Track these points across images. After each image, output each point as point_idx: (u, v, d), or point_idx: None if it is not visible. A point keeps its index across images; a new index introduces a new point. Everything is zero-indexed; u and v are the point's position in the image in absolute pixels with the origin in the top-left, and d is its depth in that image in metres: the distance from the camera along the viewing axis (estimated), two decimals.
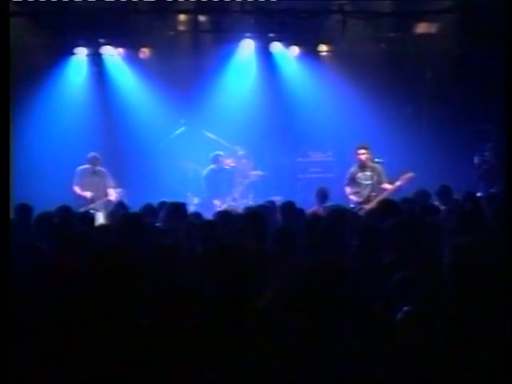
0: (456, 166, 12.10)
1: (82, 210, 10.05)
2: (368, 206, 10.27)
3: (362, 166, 11.30)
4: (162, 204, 8.34)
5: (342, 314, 3.98)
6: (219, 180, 12.28)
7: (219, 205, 11.78)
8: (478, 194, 9.72)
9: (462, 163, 12.30)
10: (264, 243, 6.25)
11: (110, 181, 11.66)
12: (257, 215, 7.08)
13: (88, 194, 11.36)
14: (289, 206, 8.00)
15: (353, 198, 11.17)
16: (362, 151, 11.24)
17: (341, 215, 7.09)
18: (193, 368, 3.81)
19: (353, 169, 11.43)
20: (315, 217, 7.52)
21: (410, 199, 8.40)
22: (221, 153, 12.45)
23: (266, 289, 4.47)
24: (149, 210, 8.39)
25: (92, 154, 11.77)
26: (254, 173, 12.72)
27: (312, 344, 3.76)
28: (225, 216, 7.57)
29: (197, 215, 8.00)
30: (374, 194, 11.01)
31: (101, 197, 11.38)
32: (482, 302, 4.52)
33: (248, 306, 4.15)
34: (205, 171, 12.39)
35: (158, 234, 6.76)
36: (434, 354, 3.99)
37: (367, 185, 11.22)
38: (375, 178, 11.23)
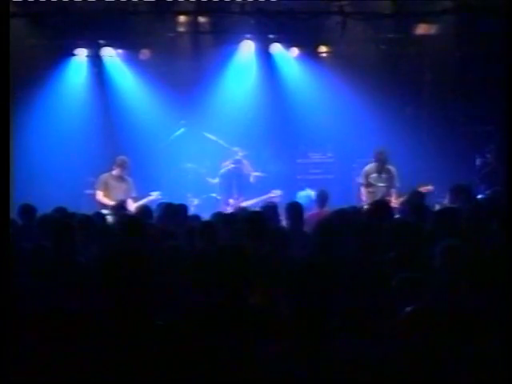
0: (457, 167, 12.07)
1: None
2: None
3: (379, 168, 11.32)
4: (162, 205, 8.33)
5: (340, 313, 3.97)
6: (235, 181, 12.27)
7: (232, 203, 11.80)
8: (479, 196, 9.67)
9: (464, 165, 12.27)
10: (264, 244, 6.26)
11: (133, 190, 11.22)
12: (257, 216, 7.08)
13: (111, 203, 10.48)
14: (294, 207, 7.96)
15: (365, 198, 11.16)
16: (381, 154, 11.31)
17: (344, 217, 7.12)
18: (191, 366, 3.82)
19: (368, 168, 11.44)
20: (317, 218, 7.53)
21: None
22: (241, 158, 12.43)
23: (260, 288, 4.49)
24: (146, 211, 8.39)
25: (121, 157, 11.42)
26: (254, 174, 12.70)
27: (309, 343, 3.76)
28: (224, 217, 7.56)
29: (195, 217, 7.99)
30: (387, 197, 10.84)
31: None
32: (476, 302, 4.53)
33: (244, 306, 4.16)
34: (222, 170, 12.36)
35: (157, 236, 6.75)
36: (436, 354, 3.99)
37: (382, 187, 11.21)
38: (389, 181, 11.24)
